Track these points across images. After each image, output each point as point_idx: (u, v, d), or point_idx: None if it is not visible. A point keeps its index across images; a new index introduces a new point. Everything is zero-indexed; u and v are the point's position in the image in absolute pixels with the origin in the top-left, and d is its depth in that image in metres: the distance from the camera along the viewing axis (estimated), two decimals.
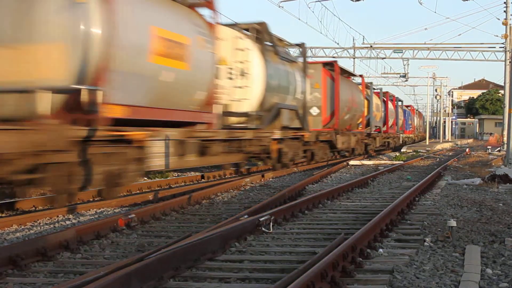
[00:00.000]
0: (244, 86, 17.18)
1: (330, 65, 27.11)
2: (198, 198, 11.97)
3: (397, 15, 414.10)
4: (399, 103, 51.46)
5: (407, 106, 61.63)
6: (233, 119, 17.02)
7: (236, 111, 17.11)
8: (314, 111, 25.29)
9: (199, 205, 11.60)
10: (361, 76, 35.27)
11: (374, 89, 39.40)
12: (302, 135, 21.16)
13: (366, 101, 33.72)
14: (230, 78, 17.07)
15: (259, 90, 17.43)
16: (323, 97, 25.73)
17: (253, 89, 17.29)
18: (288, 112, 19.78)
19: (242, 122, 17.23)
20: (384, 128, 41.36)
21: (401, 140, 50.24)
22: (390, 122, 44.54)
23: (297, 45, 22.86)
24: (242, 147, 16.57)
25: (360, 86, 33.30)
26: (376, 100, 37.89)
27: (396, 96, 49.09)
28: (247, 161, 19.01)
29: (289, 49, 23.39)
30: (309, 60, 28.86)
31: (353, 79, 34.45)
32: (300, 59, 22.27)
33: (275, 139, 18.58)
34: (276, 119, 18.85)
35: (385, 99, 42.61)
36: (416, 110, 76.73)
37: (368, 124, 34.50)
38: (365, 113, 33.43)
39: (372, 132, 35.50)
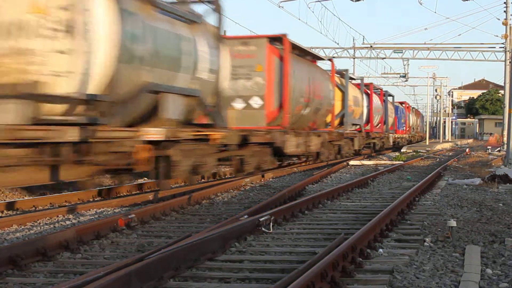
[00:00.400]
0: (72, 51, 9.75)
1: (279, 41, 19.38)
2: (198, 198, 11.98)
3: (397, 15, 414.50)
4: (390, 98, 44.26)
5: (401, 103, 54.53)
6: (53, 108, 9.74)
7: (55, 94, 9.63)
8: (256, 102, 18.71)
9: (199, 205, 11.60)
10: (330, 60, 27.77)
11: (352, 78, 32.84)
12: (207, 135, 13.23)
13: (339, 93, 27.45)
14: (47, 37, 9.77)
15: (105, 59, 10.10)
16: (268, 84, 18.69)
17: (91, 56, 9.93)
18: (180, 99, 12.29)
19: (75, 112, 9.99)
20: (368, 127, 34.15)
21: (391, 141, 42.51)
22: (376, 120, 37.03)
23: (208, 1, 14.07)
24: (65, 157, 9.74)
25: (329, 73, 25.92)
26: (354, 92, 30.57)
27: (384, 89, 42.47)
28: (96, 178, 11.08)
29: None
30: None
31: (338, 71, 28.68)
32: (212, 21, 13.99)
33: (150, 142, 11.29)
34: (155, 110, 11.61)
35: (368, 91, 35.26)
36: (413, 108, 68.50)
37: (342, 122, 28.06)
38: (339, 108, 27.11)
39: (348, 131, 28.57)
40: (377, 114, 37.26)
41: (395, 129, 46.84)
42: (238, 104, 18.62)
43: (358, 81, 34.00)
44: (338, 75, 28.70)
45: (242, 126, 17.08)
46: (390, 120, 43.48)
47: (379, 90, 40.82)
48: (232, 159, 16.43)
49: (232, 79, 17.14)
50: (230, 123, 16.10)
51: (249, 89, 18.60)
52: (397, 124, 48.37)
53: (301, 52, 21.74)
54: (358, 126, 31.64)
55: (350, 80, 30.88)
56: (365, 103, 33.43)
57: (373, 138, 35.36)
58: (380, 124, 38.65)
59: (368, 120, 34.46)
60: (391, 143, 42.73)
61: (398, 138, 47.95)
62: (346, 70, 29.47)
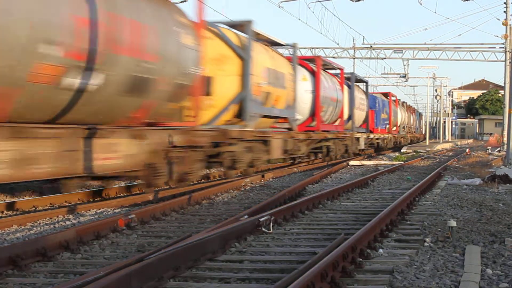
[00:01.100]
0: None
1: None
2: (198, 198, 11.97)
3: (397, 15, 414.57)
4: (361, 85, 34.21)
5: (384, 94, 43.51)
6: None
7: None
8: None
9: (199, 205, 11.60)
10: None
11: (276, 44, 20.19)
12: None
13: (236, 61, 16.28)
14: None
15: None
16: None
17: None
18: None
19: None
20: (314, 124, 23.79)
21: (362, 143, 31.67)
22: (330, 113, 25.79)
23: None
24: None
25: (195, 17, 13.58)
26: (271, 63, 18.32)
27: (349, 71, 31.16)
28: None
29: None
30: None
31: (232, 23, 17.21)
32: None
33: None
34: None
35: (314, 69, 23.87)
36: (403, 102, 55.91)
37: (240, 113, 16.35)
38: (233, 87, 16.21)
39: (253, 129, 16.50)
40: (331, 105, 25.61)
41: (371, 128, 35.82)
42: None
43: (289, 55, 21.61)
44: (229, 28, 17.12)
45: None
46: (361, 114, 32.97)
47: (340, 70, 28.46)
48: None
49: None
50: None
51: None
52: (375, 120, 37.06)
53: None
54: (285, 121, 20.51)
55: (268, 44, 19.26)
56: (304, 86, 22.81)
57: (326, 140, 24.93)
58: (339, 119, 27.73)
59: (314, 113, 23.77)
60: (363, 146, 32.08)
61: (377, 139, 37.19)
62: (250, 22, 16.80)
